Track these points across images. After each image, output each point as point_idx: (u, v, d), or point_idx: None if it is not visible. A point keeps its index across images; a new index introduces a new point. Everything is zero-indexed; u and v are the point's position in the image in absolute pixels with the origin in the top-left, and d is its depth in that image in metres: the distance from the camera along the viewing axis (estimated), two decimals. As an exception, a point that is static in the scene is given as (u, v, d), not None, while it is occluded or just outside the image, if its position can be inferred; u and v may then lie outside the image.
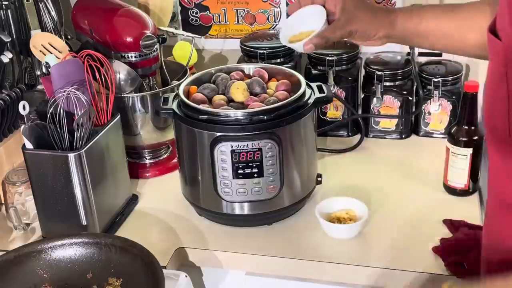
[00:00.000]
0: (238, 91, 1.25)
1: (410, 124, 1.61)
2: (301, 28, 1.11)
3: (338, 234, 1.21)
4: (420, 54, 1.64)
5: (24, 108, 1.16)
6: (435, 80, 1.52)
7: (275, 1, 1.72)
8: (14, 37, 1.54)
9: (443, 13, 1.08)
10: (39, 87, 1.57)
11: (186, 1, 1.77)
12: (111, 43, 1.38)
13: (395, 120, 1.59)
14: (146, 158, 1.51)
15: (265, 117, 1.17)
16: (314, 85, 1.29)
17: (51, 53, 1.39)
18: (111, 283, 1.05)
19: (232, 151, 1.17)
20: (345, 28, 1.09)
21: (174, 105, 1.25)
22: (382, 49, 1.67)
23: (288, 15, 1.14)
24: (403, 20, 1.09)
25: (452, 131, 1.30)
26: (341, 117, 1.62)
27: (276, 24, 1.75)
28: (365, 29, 1.09)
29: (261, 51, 1.59)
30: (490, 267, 0.88)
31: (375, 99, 1.57)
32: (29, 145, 1.18)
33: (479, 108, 1.30)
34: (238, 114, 1.17)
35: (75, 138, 1.19)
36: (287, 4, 1.71)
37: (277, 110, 1.18)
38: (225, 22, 1.77)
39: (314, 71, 1.61)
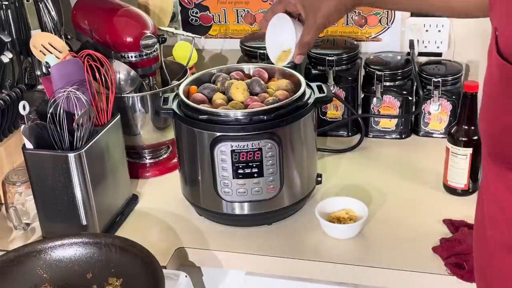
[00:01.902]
0: (238, 91, 1.25)
1: (410, 124, 1.61)
2: (283, 44, 1.18)
3: (338, 234, 1.21)
4: (420, 54, 1.65)
5: (24, 108, 1.16)
6: (435, 80, 1.52)
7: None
8: (14, 37, 1.54)
9: None
10: (39, 87, 1.57)
11: (186, 1, 1.77)
12: (111, 43, 1.38)
13: (395, 120, 1.59)
14: (146, 158, 1.51)
15: (265, 117, 1.17)
16: (314, 85, 1.29)
17: (51, 53, 1.39)
18: (111, 283, 1.05)
19: (232, 151, 1.17)
20: (316, 25, 1.12)
21: (174, 105, 1.25)
22: (382, 49, 1.67)
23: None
24: None
25: (452, 131, 1.30)
26: (341, 117, 1.62)
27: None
28: (334, 13, 1.12)
29: (261, 51, 1.59)
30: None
31: (375, 99, 1.57)
32: (29, 145, 1.18)
33: (479, 108, 1.30)
34: (238, 114, 1.17)
35: (75, 138, 1.19)
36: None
37: (277, 110, 1.18)
38: (225, 22, 1.77)
39: (314, 71, 1.61)
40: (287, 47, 1.17)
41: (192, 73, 1.46)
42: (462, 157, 1.28)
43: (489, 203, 0.82)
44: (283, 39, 1.17)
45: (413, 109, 1.60)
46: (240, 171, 1.19)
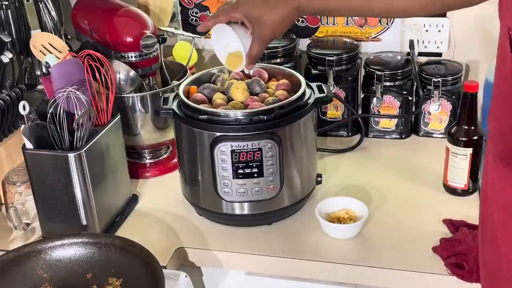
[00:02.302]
0: (238, 91, 1.25)
1: (410, 124, 1.61)
2: (228, 46, 1.19)
3: (338, 234, 1.21)
4: (420, 54, 1.65)
5: (24, 108, 1.16)
6: (435, 80, 1.52)
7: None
8: (14, 37, 1.54)
9: None
10: (39, 87, 1.57)
11: (186, 1, 1.77)
12: (111, 43, 1.38)
13: (395, 120, 1.59)
14: (146, 158, 1.51)
15: (265, 117, 1.17)
16: (314, 85, 1.29)
17: (51, 53, 1.39)
18: (111, 283, 1.05)
19: (232, 151, 1.17)
20: (262, 39, 1.15)
21: (174, 105, 1.25)
22: (382, 49, 1.67)
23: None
24: (307, 2, 1.13)
25: (452, 131, 1.30)
26: (341, 117, 1.62)
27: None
28: (281, 24, 1.14)
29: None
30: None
31: (375, 99, 1.57)
32: (29, 145, 1.18)
33: (479, 108, 1.30)
34: (238, 114, 1.17)
35: (75, 138, 1.19)
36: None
37: (277, 110, 1.18)
38: (225, 22, 1.77)
39: (314, 71, 1.61)
40: (233, 49, 1.19)
41: (192, 73, 1.46)
42: (462, 157, 1.28)
43: (497, 205, 0.82)
44: (227, 42, 1.19)
45: (413, 109, 1.60)
46: (240, 171, 1.19)
